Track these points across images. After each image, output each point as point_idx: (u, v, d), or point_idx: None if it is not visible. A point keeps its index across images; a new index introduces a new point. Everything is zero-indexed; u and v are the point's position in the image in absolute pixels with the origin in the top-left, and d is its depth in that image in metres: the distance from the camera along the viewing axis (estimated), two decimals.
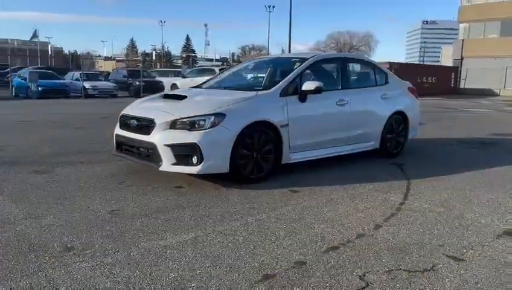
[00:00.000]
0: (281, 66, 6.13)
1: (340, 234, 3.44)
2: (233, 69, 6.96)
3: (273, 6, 57.27)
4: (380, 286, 2.59)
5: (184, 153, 4.56)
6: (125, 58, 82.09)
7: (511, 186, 5.03)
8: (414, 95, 7.23)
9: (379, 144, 6.43)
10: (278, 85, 5.25)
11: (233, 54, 79.95)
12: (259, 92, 5.18)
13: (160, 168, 4.60)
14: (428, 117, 13.87)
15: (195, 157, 4.51)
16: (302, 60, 5.78)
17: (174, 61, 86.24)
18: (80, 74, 22.96)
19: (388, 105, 6.48)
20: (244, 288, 2.54)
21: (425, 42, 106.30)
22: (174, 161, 4.57)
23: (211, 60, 75.41)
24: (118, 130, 5.29)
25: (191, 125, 4.58)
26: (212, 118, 4.58)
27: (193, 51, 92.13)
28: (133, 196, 4.35)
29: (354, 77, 6.73)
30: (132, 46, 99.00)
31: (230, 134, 4.61)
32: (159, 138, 4.61)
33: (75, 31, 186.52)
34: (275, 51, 66.34)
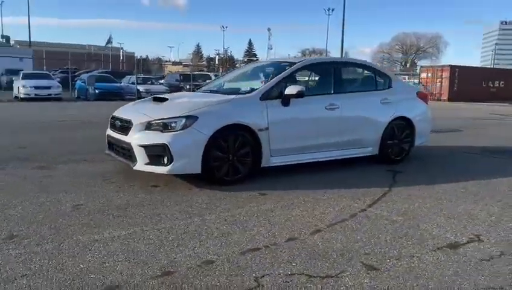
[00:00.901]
0: (274, 71, 6.15)
1: (272, 236, 3.45)
2: (232, 74, 7.09)
3: (333, 9, 56.97)
4: (269, 288, 2.61)
5: (156, 153, 4.75)
6: (191, 63, 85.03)
7: (499, 198, 4.71)
8: (424, 101, 6.93)
9: (378, 150, 6.24)
10: (259, 89, 5.31)
11: (294, 58, 79.88)
12: (237, 96, 5.28)
13: (134, 168, 4.84)
14: (470, 124, 13.19)
15: (166, 157, 4.70)
16: (291, 64, 5.79)
17: (237, 65, 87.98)
18: (136, 77, 24.21)
19: (388, 110, 6.27)
20: (136, 283, 2.66)
21: (497, 44, 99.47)
22: (147, 160, 4.79)
23: None
24: (108, 131, 5.62)
25: (164, 126, 4.78)
26: (184, 120, 4.74)
27: (255, 55, 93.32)
28: (105, 192, 4.61)
29: (350, 81, 6.59)
30: (198, 51, 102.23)
31: (202, 136, 4.74)
32: (134, 138, 4.85)
33: (147, 36, 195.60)
34: (335, 54, 65.26)
